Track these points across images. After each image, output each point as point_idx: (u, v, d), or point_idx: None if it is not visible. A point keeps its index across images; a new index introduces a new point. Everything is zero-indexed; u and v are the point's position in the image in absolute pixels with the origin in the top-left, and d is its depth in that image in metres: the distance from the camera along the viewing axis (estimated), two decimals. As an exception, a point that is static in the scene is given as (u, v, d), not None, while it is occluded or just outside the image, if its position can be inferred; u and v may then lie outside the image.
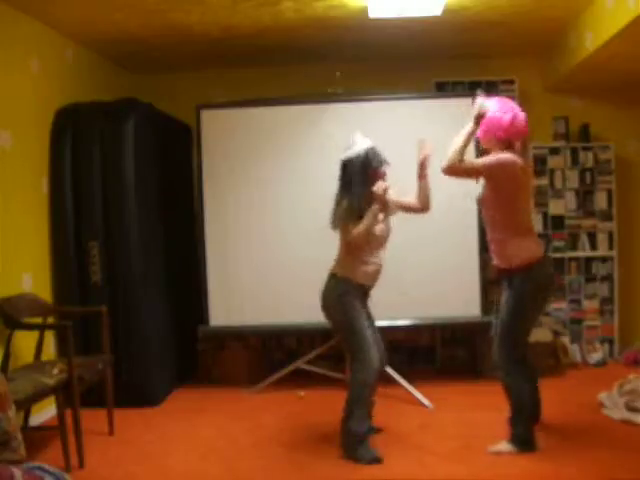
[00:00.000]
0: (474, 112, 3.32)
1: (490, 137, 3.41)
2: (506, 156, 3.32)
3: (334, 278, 3.50)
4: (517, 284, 3.34)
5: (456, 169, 3.30)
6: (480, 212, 3.63)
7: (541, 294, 3.41)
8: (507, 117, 3.35)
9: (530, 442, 3.38)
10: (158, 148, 4.85)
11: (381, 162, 3.47)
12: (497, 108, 3.38)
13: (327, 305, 3.51)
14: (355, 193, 3.41)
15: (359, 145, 3.48)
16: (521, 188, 3.37)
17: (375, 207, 3.40)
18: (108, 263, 4.44)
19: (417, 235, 4.56)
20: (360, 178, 3.42)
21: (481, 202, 3.49)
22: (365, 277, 3.49)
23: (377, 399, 3.58)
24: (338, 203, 3.49)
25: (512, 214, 3.37)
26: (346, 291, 3.45)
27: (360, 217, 3.38)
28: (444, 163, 3.30)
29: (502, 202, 3.35)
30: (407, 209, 3.62)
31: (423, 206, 3.58)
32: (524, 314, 3.38)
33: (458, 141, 3.30)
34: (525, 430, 3.38)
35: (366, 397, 3.44)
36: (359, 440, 3.37)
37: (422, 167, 3.53)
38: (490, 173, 3.34)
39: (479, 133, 3.42)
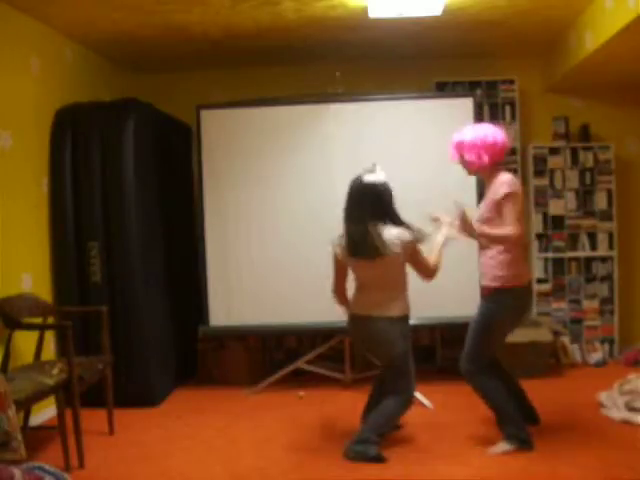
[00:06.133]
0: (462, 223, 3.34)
1: (481, 163, 3.38)
2: (511, 178, 3.36)
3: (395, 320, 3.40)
4: (496, 302, 3.38)
5: (518, 235, 3.28)
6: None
7: (515, 317, 3.47)
8: (489, 139, 3.36)
9: (524, 439, 3.38)
10: (158, 148, 4.85)
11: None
12: (473, 134, 3.40)
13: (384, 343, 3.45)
14: (398, 218, 3.36)
15: (380, 174, 3.41)
16: (519, 211, 3.36)
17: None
18: (108, 263, 4.44)
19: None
20: (392, 205, 3.38)
21: (482, 222, 3.44)
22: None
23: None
24: (370, 229, 3.29)
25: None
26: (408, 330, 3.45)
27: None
28: (508, 242, 3.30)
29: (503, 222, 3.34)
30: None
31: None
32: (494, 331, 3.43)
33: (483, 230, 3.35)
34: (516, 429, 3.38)
35: (394, 424, 3.52)
36: (371, 443, 3.37)
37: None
38: (515, 203, 3.31)
39: (471, 165, 3.42)
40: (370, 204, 3.33)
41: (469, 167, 3.47)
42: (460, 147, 3.43)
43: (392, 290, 3.40)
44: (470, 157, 3.39)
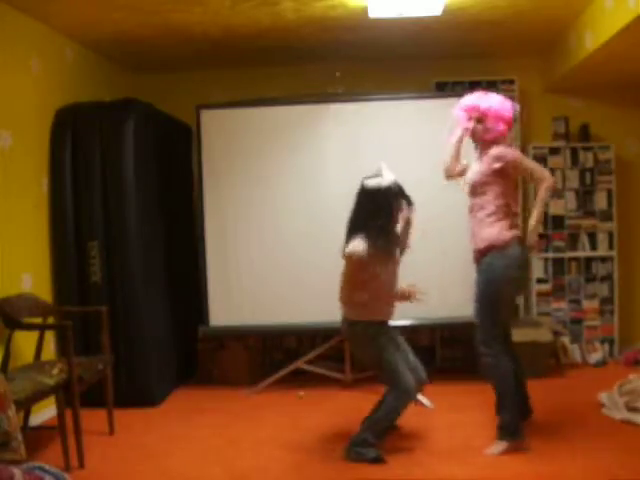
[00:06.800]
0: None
1: (501, 133, 3.49)
2: (509, 148, 3.51)
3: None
4: (488, 263, 3.42)
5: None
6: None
7: (515, 271, 3.45)
8: (509, 111, 3.52)
9: (517, 431, 3.38)
10: (158, 148, 4.85)
11: (409, 201, 3.45)
12: (500, 104, 3.52)
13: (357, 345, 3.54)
14: (385, 225, 3.37)
15: (388, 176, 3.41)
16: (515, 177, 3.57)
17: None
18: (108, 263, 4.44)
19: (417, 235, 4.56)
20: (388, 211, 3.39)
21: (477, 185, 3.50)
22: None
23: (376, 398, 3.58)
24: (358, 231, 3.37)
25: (510, 199, 3.49)
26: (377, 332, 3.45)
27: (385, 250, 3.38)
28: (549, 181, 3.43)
29: (508, 187, 3.46)
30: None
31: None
32: (495, 296, 3.43)
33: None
34: (511, 417, 3.39)
35: (392, 420, 3.46)
36: (368, 445, 3.37)
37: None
38: (521, 161, 3.48)
39: (486, 131, 3.49)
40: (361, 206, 3.41)
41: (485, 135, 3.51)
42: (481, 113, 3.48)
43: (350, 294, 3.46)
44: (493, 125, 3.45)
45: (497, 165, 3.41)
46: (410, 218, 3.48)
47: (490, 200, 3.44)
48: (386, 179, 3.40)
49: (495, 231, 3.42)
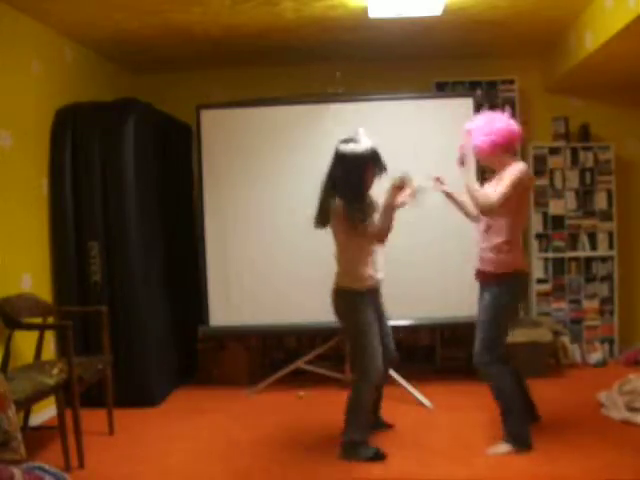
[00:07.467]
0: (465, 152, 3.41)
1: (493, 149, 3.40)
2: (522, 164, 3.40)
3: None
4: (498, 290, 3.40)
5: (494, 208, 3.30)
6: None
7: (516, 303, 3.56)
8: (500, 124, 3.40)
9: (525, 439, 3.38)
10: (158, 148, 4.85)
11: (384, 168, 3.36)
12: (484, 121, 3.44)
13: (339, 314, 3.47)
14: (355, 189, 3.29)
15: (365, 142, 3.35)
16: (529, 195, 3.50)
17: (392, 201, 3.28)
18: (108, 263, 4.44)
19: (417, 235, 4.56)
20: (360, 175, 3.31)
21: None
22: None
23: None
24: (326, 198, 3.35)
25: (519, 220, 3.43)
26: (356, 302, 3.37)
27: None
28: (483, 206, 3.31)
29: (514, 209, 3.37)
30: None
31: None
32: (503, 316, 3.44)
33: (473, 184, 3.36)
34: (518, 427, 3.39)
35: (364, 411, 3.39)
36: (358, 445, 3.36)
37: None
38: (516, 187, 3.32)
39: (482, 151, 3.43)
40: (333, 170, 3.37)
41: (479, 153, 3.47)
42: (472, 134, 3.42)
43: (338, 261, 3.42)
44: (479, 143, 3.39)
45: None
46: (392, 203, 3.28)
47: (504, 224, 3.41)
48: (361, 145, 3.34)
49: (512, 258, 3.41)
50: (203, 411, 4.37)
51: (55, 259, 4.47)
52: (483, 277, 3.53)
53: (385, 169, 3.36)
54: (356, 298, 3.36)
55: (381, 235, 3.30)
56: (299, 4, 4.20)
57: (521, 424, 3.40)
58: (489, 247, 3.45)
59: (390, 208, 3.27)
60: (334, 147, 3.41)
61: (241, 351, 5.16)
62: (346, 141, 3.38)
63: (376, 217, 3.33)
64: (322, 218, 3.39)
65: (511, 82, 5.52)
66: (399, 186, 3.27)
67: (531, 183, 3.47)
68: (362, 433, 3.38)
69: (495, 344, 3.41)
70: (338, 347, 4.89)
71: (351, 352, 3.48)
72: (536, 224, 5.45)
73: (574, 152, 5.45)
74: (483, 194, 3.34)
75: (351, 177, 3.31)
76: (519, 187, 3.31)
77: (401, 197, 3.28)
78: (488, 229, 3.46)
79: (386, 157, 3.44)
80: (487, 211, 3.33)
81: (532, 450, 3.36)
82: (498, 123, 3.40)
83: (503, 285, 3.40)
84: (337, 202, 3.30)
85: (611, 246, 5.45)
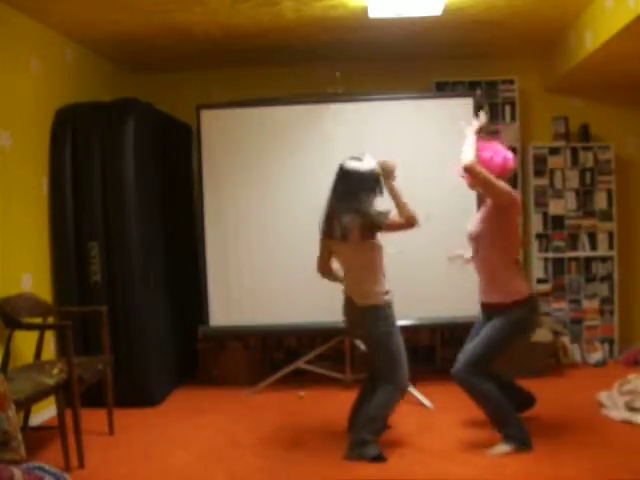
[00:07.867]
0: (476, 125, 3.43)
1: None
2: (515, 192, 3.43)
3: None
4: (501, 320, 3.39)
5: (476, 169, 3.28)
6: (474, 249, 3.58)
7: (519, 334, 3.51)
8: (498, 158, 3.41)
9: (525, 439, 3.38)
10: (158, 148, 4.85)
11: (379, 191, 3.43)
12: (484, 150, 3.45)
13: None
14: (366, 205, 3.35)
15: (369, 162, 3.43)
16: (517, 224, 3.48)
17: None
18: (108, 263, 4.44)
19: (417, 235, 4.55)
20: (370, 194, 3.38)
21: (477, 238, 3.48)
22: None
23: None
24: (340, 214, 3.39)
25: (509, 248, 3.43)
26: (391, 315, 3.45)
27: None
28: (466, 160, 3.27)
29: (502, 235, 3.39)
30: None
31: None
32: (498, 347, 3.44)
33: (469, 144, 3.34)
34: (515, 429, 3.38)
35: (388, 416, 3.46)
36: (368, 442, 3.37)
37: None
38: (502, 201, 3.34)
39: (469, 178, 3.45)
40: (341, 188, 3.43)
41: (467, 181, 3.52)
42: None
43: (364, 280, 3.47)
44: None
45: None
46: (391, 186, 3.40)
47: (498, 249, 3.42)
48: (366, 164, 3.42)
49: (517, 284, 3.42)
50: (203, 411, 4.37)
51: (55, 259, 4.47)
52: (490, 309, 3.50)
53: (382, 192, 3.44)
54: (391, 311, 3.46)
55: (410, 215, 3.37)
56: (299, 4, 4.20)
57: (517, 425, 3.40)
58: (484, 276, 3.49)
59: (394, 191, 3.40)
60: (339, 164, 3.48)
61: (241, 351, 5.16)
62: (352, 159, 3.46)
63: (393, 212, 3.39)
64: (342, 233, 3.42)
65: (511, 82, 5.52)
66: (386, 174, 3.41)
67: (517, 208, 3.44)
68: (376, 433, 3.40)
69: (483, 364, 3.42)
70: (338, 347, 4.90)
71: (383, 361, 3.47)
72: (536, 224, 5.45)
73: (574, 152, 5.45)
74: (473, 152, 3.31)
75: (356, 191, 3.38)
76: (510, 207, 3.35)
77: (391, 178, 3.42)
78: (482, 258, 3.48)
79: (386, 156, 3.45)
80: (468, 165, 3.25)
81: (532, 450, 3.37)
82: (484, 153, 3.40)
83: (518, 313, 3.39)
84: (349, 219, 3.35)
85: (611, 246, 5.45)
